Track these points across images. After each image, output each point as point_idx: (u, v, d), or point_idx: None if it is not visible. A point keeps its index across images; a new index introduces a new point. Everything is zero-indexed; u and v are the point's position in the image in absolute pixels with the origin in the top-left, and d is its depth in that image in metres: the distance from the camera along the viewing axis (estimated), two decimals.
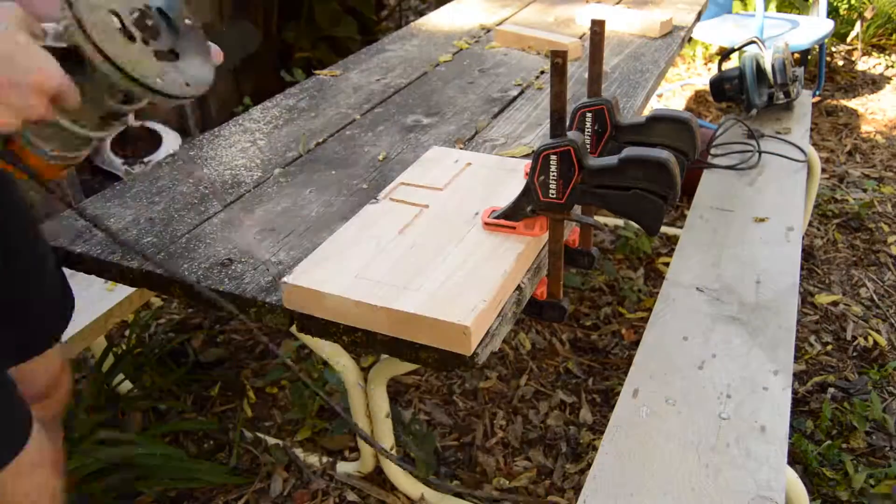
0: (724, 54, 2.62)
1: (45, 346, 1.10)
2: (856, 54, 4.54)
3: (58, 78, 0.69)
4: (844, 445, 1.82)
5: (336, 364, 1.46)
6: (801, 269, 2.40)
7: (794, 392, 1.97)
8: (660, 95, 4.06)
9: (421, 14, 4.31)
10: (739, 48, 2.51)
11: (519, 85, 1.73)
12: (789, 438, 1.37)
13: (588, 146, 1.05)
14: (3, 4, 0.69)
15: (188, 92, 0.78)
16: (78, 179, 2.65)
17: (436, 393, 2.01)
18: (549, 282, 1.03)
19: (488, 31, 2.18)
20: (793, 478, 1.18)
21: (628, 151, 0.87)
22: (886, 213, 2.89)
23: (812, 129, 3.58)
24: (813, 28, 3.52)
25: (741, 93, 2.33)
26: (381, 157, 1.36)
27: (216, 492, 1.70)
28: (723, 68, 2.47)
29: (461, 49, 2.03)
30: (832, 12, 4.40)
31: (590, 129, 1.05)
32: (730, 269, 1.60)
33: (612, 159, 0.88)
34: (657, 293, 1.53)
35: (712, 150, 2.14)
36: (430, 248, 0.99)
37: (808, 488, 1.33)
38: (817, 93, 3.93)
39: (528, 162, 1.12)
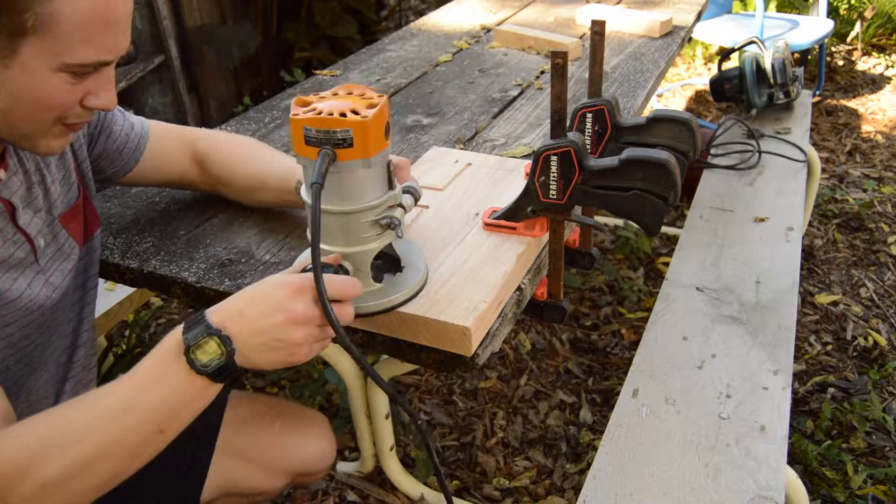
0: (724, 54, 2.62)
1: None
2: (856, 54, 4.54)
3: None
4: (844, 445, 1.82)
5: (336, 364, 1.46)
6: (801, 269, 2.40)
7: (794, 392, 1.97)
8: (660, 95, 4.06)
9: (421, 14, 4.30)
10: (739, 48, 2.51)
11: (519, 85, 1.73)
12: (789, 438, 1.37)
13: (588, 147, 1.05)
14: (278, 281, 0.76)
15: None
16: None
17: (436, 393, 2.01)
18: (550, 282, 1.03)
19: (488, 31, 2.18)
20: (793, 478, 1.18)
21: (629, 152, 0.87)
22: (886, 213, 2.89)
23: (812, 129, 3.58)
24: (813, 28, 3.52)
25: (741, 93, 2.33)
26: None
27: None
28: (723, 68, 2.47)
29: (461, 49, 2.03)
30: (832, 12, 4.40)
31: (590, 130, 1.05)
32: (729, 269, 1.60)
33: (612, 160, 0.88)
34: (657, 293, 1.53)
35: (712, 150, 2.14)
36: (430, 248, 0.99)
37: (807, 488, 1.34)
38: (817, 93, 3.93)
39: (529, 162, 1.13)
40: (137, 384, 0.73)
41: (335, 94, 0.82)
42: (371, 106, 0.78)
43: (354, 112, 0.77)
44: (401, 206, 0.86)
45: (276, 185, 1.12)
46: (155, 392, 0.73)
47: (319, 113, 0.77)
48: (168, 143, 1.14)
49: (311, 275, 0.74)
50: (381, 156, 0.81)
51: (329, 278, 0.75)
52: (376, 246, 0.85)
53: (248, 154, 1.17)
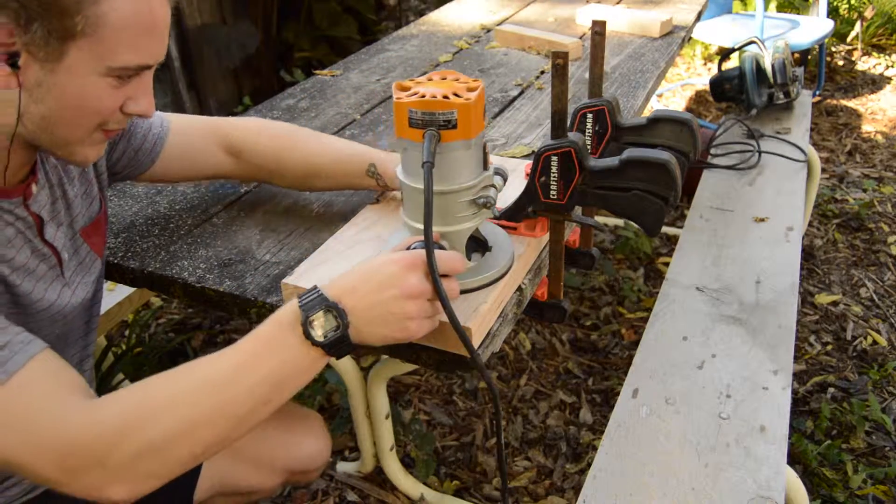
0: (724, 54, 2.62)
1: None
2: (856, 54, 4.54)
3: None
4: (844, 445, 1.82)
5: (336, 364, 1.46)
6: (801, 269, 2.40)
7: (794, 392, 1.98)
8: (660, 96, 4.06)
9: (421, 14, 4.30)
10: (739, 48, 2.51)
11: (519, 85, 1.73)
12: (789, 438, 1.37)
13: (589, 147, 1.05)
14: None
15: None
16: None
17: (436, 393, 2.01)
18: (550, 282, 1.03)
19: (488, 31, 2.18)
20: (793, 478, 1.18)
21: (629, 152, 0.87)
22: (886, 213, 2.89)
23: (812, 129, 3.58)
24: (813, 28, 3.52)
25: (741, 93, 2.33)
26: None
27: None
28: (723, 68, 2.47)
29: (461, 49, 2.03)
30: (832, 12, 4.40)
31: (590, 130, 1.05)
32: (730, 269, 1.60)
33: (612, 160, 0.88)
34: (657, 293, 1.53)
35: (712, 150, 2.14)
36: None
37: (807, 488, 1.34)
38: (817, 93, 3.93)
39: (529, 162, 1.12)
40: (249, 351, 0.74)
41: (430, 80, 0.85)
42: (471, 89, 0.82)
43: (456, 95, 0.80)
44: (493, 186, 0.89)
45: (333, 169, 1.12)
46: (267, 361, 0.73)
47: (423, 96, 0.80)
48: (193, 139, 1.12)
49: (422, 251, 0.77)
50: (480, 137, 0.84)
51: (439, 254, 0.78)
52: (472, 225, 0.89)
53: (296, 142, 1.16)
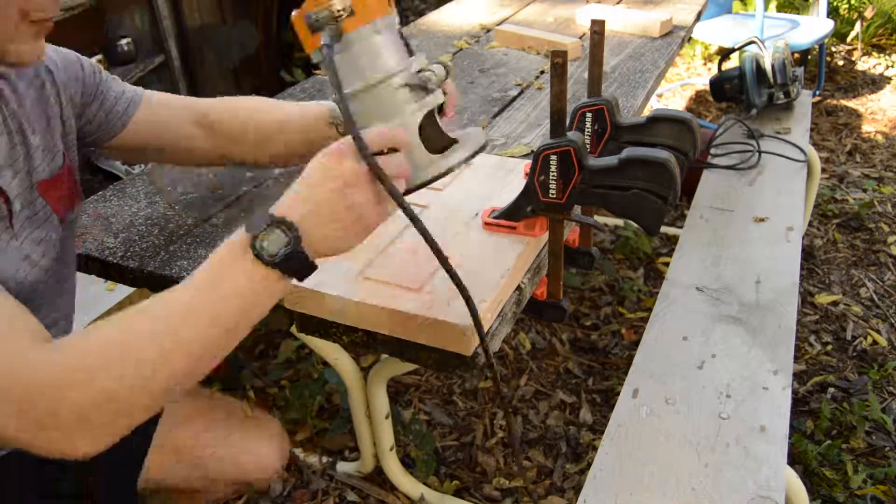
0: (724, 54, 2.62)
1: None
2: (856, 54, 4.54)
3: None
4: (844, 445, 1.82)
5: (336, 364, 1.46)
6: (801, 269, 2.40)
7: (794, 392, 1.97)
8: (660, 95, 4.06)
9: (421, 14, 4.30)
10: (739, 48, 2.51)
11: (519, 85, 1.73)
12: (789, 438, 1.37)
13: (588, 146, 1.05)
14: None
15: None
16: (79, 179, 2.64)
17: (436, 393, 2.01)
18: (549, 282, 1.03)
19: (488, 31, 2.18)
20: (793, 478, 1.18)
21: (628, 151, 0.87)
22: (886, 213, 2.89)
23: (812, 129, 3.58)
24: (813, 28, 3.52)
25: (741, 93, 2.33)
26: None
27: None
28: (723, 68, 2.47)
29: (461, 49, 2.03)
30: (832, 12, 4.40)
31: (590, 129, 1.05)
32: (730, 269, 1.59)
33: (611, 159, 0.88)
34: (657, 293, 1.53)
35: (712, 150, 2.14)
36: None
37: (807, 488, 1.33)
38: (817, 93, 3.93)
39: (528, 162, 1.13)
40: (200, 283, 0.71)
41: None
42: None
43: None
44: (428, 70, 0.82)
45: (299, 122, 1.12)
46: (220, 289, 0.70)
47: None
48: (166, 109, 1.11)
49: (347, 137, 0.73)
50: (388, 21, 0.80)
51: (367, 130, 0.73)
52: (418, 110, 0.81)
53: (266, 100, 1.17)
